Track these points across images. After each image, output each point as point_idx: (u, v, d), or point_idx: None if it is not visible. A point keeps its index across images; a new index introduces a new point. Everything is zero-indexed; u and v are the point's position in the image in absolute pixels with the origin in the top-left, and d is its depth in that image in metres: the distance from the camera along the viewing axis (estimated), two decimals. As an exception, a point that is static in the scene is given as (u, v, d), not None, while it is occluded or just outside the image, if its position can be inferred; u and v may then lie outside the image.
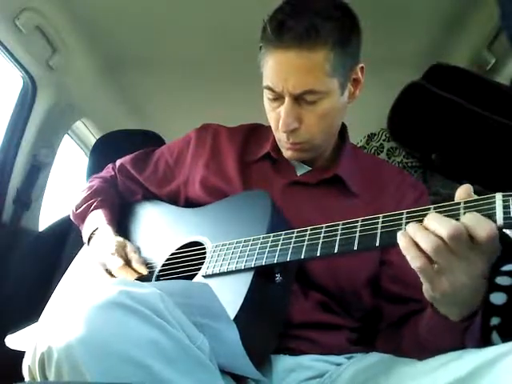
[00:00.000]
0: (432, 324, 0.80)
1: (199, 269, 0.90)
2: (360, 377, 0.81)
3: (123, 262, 0.96)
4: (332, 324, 0.93)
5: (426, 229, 0.65)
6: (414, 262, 0.65)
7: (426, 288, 0.69)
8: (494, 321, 1.09)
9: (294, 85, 0.88)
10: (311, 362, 0.88)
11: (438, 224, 0.64)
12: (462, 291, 0.67)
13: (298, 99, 0.90)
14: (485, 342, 1.07)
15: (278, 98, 0.92)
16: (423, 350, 0.80)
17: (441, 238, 0.63)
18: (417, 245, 0.65)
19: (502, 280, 1.14)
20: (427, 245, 0.63)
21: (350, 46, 0.91)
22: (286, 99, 0.90)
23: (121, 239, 1.03)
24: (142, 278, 0.98)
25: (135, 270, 0.96)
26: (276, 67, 0.89)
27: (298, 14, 0.87)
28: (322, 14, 0.87)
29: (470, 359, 0.64)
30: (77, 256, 1.20)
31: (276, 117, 0.94)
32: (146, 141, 1.72)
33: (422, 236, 0.64)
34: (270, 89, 0.92)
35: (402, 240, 0.66)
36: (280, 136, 0.97)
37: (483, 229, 0.61)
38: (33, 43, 1.52)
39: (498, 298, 1.11)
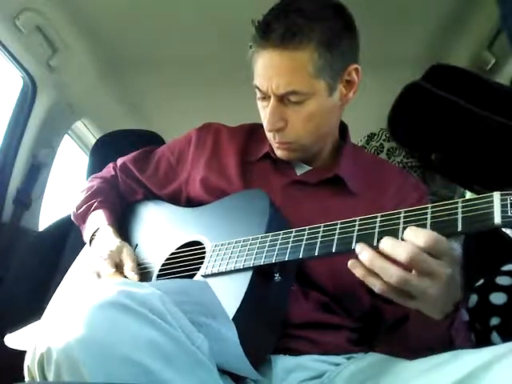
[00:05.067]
0: (417, 323, 0.81)
1: (198, 268, 0.90)
2: (358, 377, 0.81)
3: (114, 269, 0.96)
4: (332, 324, 0.93)
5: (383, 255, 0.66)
6: (375, 287, 0.67)
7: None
8: (494, 321, 1.09)
9: (278, 85, 0.90)
10: (311, 363, 0.88)
11: (393, 250, 0.65)
12: (435, 301, 0.68)
13: (283, 99, 0.92)
14: (485, 342, 1.08)
15: (266, 97, 0.94)
16: (413, 349, 0.80)
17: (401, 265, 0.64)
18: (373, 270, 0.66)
19: (501, 280, 1.14)
20: (393, 276, 0.64)
21: (338, 47, 0.91)
22: (272, 99, 0.92)
23: (119, 243, 1.02)
24: (141, 278, 0.98)
25: (125, 277, 0.95)
26: (262, 67, 0.91)
27: (284, 15, 0.89)
28: (307, 15, 0.88)
29: (467, 361, 0.64)
30: (78, 256, 1.19)
31: (265, 115, 0.96)
32: (146, 141, 1.71)
33: (381, 267, 0.65)
34: (257, 88, 0.94)
35: (356, 270, 0.68)
36: (268, 134, 0.99)
37: (423, 240, 0.63)
38: (33, 43, 1.52)
39: (498, 298, 1.11)
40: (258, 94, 0.96)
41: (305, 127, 0.95)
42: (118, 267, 0.98)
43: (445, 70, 1.35)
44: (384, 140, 1.56)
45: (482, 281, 1.16)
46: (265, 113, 0.96)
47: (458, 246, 0.67)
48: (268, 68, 0.90)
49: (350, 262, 0.68)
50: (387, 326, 0.96)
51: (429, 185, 1.45)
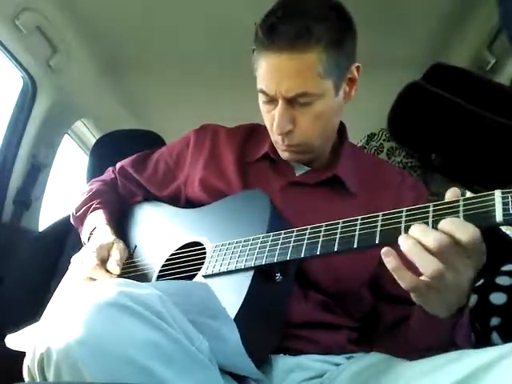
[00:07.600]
0: (421, 322, 0.80)
1: (199, 269, 0.90)
2: (359, 377, 0.81)
3: (97, 261, 0.95)
4: (332, 324, 0.93)
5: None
6: (405, 280, 0.66)
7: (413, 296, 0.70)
8: (494, 321, 1.09)
9: (287, 88, 0.88)
10: (311, 363, 0.88)
11: (423, 236, 0.64)
12: (449, 297, 0.69)
13: (291, 102, 0.90)
14: (485, 342, 1.08)
15: (272, 100, 0.92)
16: (415, 349, 0.81)
17: (428, 250, 0.63)
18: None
19: (502, 280, 1.14)
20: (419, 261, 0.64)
21: (343, 47, 0.90)
22: (280, 102, 0.90)
23: (111, 239, 1.02)
24: (141, 279, 0.98)
25: (107, 271, 0.95)
26: (268, 70, 0.89)
27: (289, 16, 0.87)
28: (313, 16, 0.87)
29: (468, 361, 0.64)
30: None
31: (271, 119, 0.94)
32: (146, 141, 1.71)
33: (422, 257, 0.64)
34: (263, 92, 0.92)
35: (389, 260, 0.66)
36: (276, 138, 0.97)
37: (466, 233, 0.62)
38: (33, 43, 1.52)
39: (498, 298, 1.11)
40: (264, 98, 0.94)
41: (313, 128, 0.94)
42: (104, 261, 0.97)
43: (445, 70, 1.35)
44: (384, 140, 1.56)
45: (481, 281, 1.17)
46: (270, 117, 0.95)
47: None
48: (276, 71, 0.88)
49: (384, 250, 0.67)
50: (387, 326, 0.96)
51: (429, 185, 1.45)
